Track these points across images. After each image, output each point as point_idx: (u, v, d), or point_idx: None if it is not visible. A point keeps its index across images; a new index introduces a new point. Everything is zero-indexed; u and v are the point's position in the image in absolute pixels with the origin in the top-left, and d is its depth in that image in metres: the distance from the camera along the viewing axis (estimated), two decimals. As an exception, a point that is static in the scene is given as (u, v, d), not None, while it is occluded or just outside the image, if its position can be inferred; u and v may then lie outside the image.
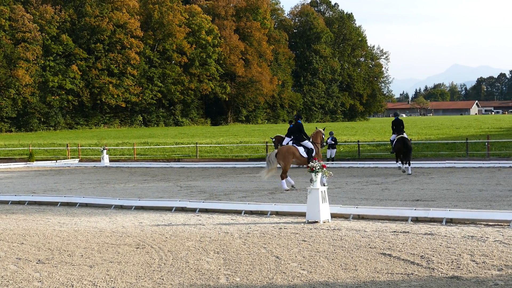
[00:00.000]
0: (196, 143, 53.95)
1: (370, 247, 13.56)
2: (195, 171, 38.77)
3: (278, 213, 18.73)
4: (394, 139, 32.43)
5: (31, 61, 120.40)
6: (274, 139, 41.39)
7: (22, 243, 15.26)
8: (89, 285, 11.04)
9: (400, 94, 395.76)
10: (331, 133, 41.75)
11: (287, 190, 25.19)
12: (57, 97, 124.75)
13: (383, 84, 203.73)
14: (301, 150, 26.68)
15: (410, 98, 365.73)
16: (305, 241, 14.46)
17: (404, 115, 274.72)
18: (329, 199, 17.51)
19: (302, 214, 17.71)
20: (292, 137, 35.79)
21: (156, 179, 32.94)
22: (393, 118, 33.69)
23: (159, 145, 60.48)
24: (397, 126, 32.81)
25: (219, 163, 43.86)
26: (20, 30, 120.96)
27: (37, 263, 12.97)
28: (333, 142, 41.13)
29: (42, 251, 14.21)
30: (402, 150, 31.63)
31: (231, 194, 24.22)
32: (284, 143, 36.71)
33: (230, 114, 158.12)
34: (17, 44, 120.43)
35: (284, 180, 25.63)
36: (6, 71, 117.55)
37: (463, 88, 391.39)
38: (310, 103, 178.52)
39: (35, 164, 48.83)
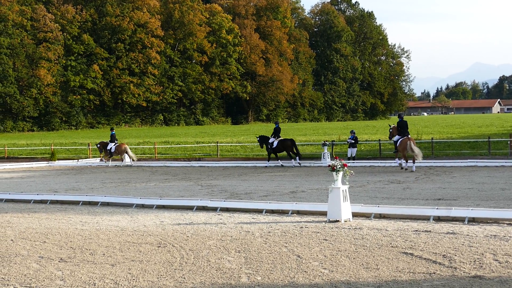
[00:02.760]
0: (217, 142, 53.97)
1: (392, 246, 13.52)
2: (216, 170, 38.79)
3: (299, 212, 18.70)
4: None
5: (53, 60, 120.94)
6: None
7: (45, 241, 15.32)
8: (111, 283, 11.07)
9: (422, 93, 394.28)
10: (352, 132, 41.62)
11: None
12: (79, 96, 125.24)
13: (404, 83, 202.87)
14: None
15: (431, 97, 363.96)
16: (326, 240, 14.43)
17: (425, 114, 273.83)
18: (350, 198, 17.45)
19: (323, 213, 17.67)
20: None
21: (177, 178, 32.98)
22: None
23: (180, 144, 60.54)
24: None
25: (240, 162, 43.85)
26: (41, 30, 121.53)
27: (59, 261, 13.02)
28: (354, 141, 40.98)
29: (64, 249, 14.27)
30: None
31: (252, 193, 24.20)
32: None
33: (250, 113, 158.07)
34: (39, 44, 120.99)
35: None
36: (28, 71, 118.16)
37: (485, 87, 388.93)
38: (331, 102, 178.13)
39: (57, 163, 49.07)
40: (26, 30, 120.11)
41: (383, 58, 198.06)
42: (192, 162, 45.53)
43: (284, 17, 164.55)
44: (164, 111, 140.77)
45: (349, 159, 39.63)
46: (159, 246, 14.27)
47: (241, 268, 11.93)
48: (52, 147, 57.54)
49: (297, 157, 40.00)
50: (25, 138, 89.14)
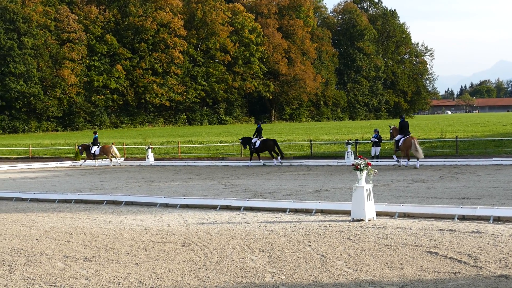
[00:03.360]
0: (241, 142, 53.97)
1: (416, 245, 13.46)
2: (240, 169, 38.81)
3: (323, 211, 18.66)
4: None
5: (76, 61, 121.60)
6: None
7: (69, 241, 15.39)
8: (136, 282, 11.10)
9: (445, 91, 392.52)
10: (375, 131, 41.46)
11: None
12: (102, 96, 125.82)
13: (427, 81, 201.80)
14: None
15: (455, 95, 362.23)
16: (350, 239, 14.40)
17: (449, 112, 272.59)
18: (374, 197, 17.40)
19: (347, 212, 17.63)
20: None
21: (200, 178, 33.03)
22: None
23: (203, 143, 60.62)
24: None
25: (263, 161, 43.83)
26: (65, 30, 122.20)
27: (84, 260, 13.08)
28: (377, 140, 40.83)
29: (89, 249, 14.33)
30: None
31: (275, 193, 24.18)
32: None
33: (273, 112, 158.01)
34: (62, 45, 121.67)
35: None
36: (52, 71, 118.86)
37: (509, 85, 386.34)
38: (354, 100, 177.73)
39: (81, 162, 49.28)
40: (50, 30, 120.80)
41: (406, 56, 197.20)
42: (215, 161, 45.58)
43: (306, 16, 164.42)
44: (187, 111, 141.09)
45: (372, 158, 39.50)
46: (183, 245, 14.29)
47: (265, 267, 11.93)
48: (76, 146, 57.80)
49: (279, 157, 41.27)
50: (49, 138, 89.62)
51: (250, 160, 42.67)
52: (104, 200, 23.02)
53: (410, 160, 35.83)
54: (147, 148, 48.34)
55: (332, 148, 51.71)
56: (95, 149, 47.32)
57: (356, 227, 15.95)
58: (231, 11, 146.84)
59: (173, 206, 21.24)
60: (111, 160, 47.65)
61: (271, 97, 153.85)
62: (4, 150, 65.62)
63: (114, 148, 47.88)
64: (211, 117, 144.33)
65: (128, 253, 13.64)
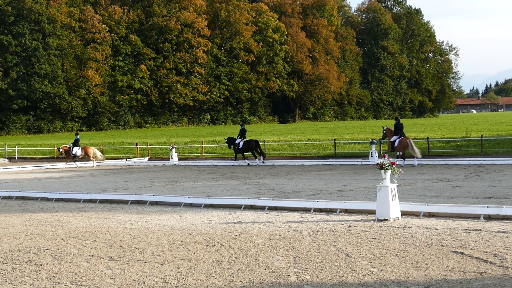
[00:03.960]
0: (264, 141, 53.99)
1: (442, 245, 13.39)
2: (263, 169, 38.82)
3: (347, 211, 18.61)
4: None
5: (101, 61, 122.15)
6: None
7: (94, 240, 15.46)
8: (160, 282, 11.13)
9: (470, 90, 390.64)
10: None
11: None
12: (126, 96, 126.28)
13: (452, 80, 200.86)
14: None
15: (480, 94, 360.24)
16: (375, 239, 14.36)
17: (474, 111, 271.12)
18: (399, 197, 17.32)
19: (372, 212, 17.58)
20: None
21: (224, 177, 33.06)
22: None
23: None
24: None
25: (287, 161, 43.86)
26: (89, 31, 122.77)
27: (109, 260, 13.14)
28: (402, 139, 40.65)
29: (114, 248, 14.38)
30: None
31: (299, 192, 24.16)
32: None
33: (297, 111, 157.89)
34: (87, 45, 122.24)
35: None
36: (77, 72, 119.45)
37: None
38: (378, 100, 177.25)
39: (106, 162, 49.50)
40: (75, 31, 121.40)
41: (431, 55, 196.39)
42: (239, 161, 45.61)
43: (330, 15, 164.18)
44: (211, 110, 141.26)
45: (397, 157, 39.37)
46: (207, 245, 14.31)
47: (289, 267, 11.92)
48: (101, 146, 58.07)
49: (262, 157, 43.18)
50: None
51: (235, 160, 44.52)
52: (129, 200, 23.10)
53: (406, 159, 37.38)
54: (171, 148, 48.47)
55: (356, 147, 51.59)
56: (76, 150, 47.42)
57: (381, 226, 15.91)
58: (255, 10, 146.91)
59: (198, 205, 21.27)
60: (92, 161, 47.61)
61: (294, 97, 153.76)
62: (30, 150, 66.02)
63: (96, 151, 48.15)
64: (234, 117, 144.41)
65: (153, 253, 13.68)
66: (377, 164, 17.07)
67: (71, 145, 48.20)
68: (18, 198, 26.04)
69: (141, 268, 12.27)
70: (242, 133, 44.26)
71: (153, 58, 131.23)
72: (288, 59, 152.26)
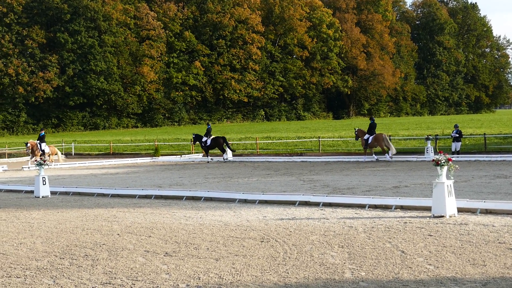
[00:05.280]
0: (319, 137, 53.90)
1: (499, 242, 13.20)
2: (318, 165, 38.72)
3: (402, 207, 18.45)
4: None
5: (156, 58, 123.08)
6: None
7: (150, 236, 15.56)
8: (215, 277, 11.15)
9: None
10: (456, 126, 40.97)
11: None
12: (181, 93, 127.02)
13: (510, 75, 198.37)
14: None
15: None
16: (431, 235, 14.21)
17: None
18: (455, 193, 17.12)
19: (428, 208, 17.40)
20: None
21: (279, 173, 33.05)
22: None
23: (281, 139, 60.69)
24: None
25: (341, 157, 43.71)
26: (144, 28, 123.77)
27: (164, 255, 13.20)
28: (458, 135, 40.31)
29: (169, 244, 14.45)
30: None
31: (354, 188, 24.04)
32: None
33: (352, 107, 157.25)
34: (142, 42, 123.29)
35: None
36: (132, 69, 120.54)
37: None
38: (434, 95, 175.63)
39: (161, 159, 49.85)
40: (130, 28, 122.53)
41: (487, 50, 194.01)
42: (293, 157, 45.56)
43: (385, 10, 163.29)
44: (265, 107, 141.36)
45: (453, 153, 39.01)
46: (262, 241, 14.31)
47: (344, 263, 11.86)
48: (156, 143, 58.53)
49: (230, 152, 47.25)
50: (129, 134, 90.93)
51: (207, 156, 47.70)
52: (184, 196, 23.20)
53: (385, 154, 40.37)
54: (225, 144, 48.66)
55: (412, 143, 51.21)
56: (44, 147, 46.89)
57: (436, 223, 15.74)
58: (309, 6, 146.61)
59: (252, 201, 21.27)
60: (51, 160, 47.26)
61: (349, 93, 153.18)
62: (86, 147, 66.83)
63: (57, 151, 48.35)
64: (289, 113, 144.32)
65: (208, 248, 13.72)
66: (433, 160, 16.89)
67: (38, 141, 47.25)
68: (74, 193, 26.35)
69: (196, 263, 12.31)
70: (208, 132, 47.53)
71: (208, 55, 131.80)
72: (343, 55, 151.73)
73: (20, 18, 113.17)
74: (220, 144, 46.44)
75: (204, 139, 47.10)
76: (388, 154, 39.97)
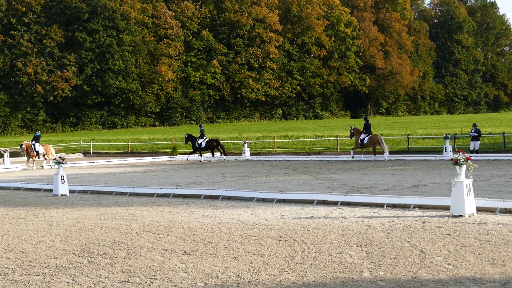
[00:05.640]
0: (337, 136, 53.83)
1: (519, 242, 13.15)
2: (336, 164, 38.70)
3: (421, 207, 18.40)
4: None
5: (173, 57, 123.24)
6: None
7: (168, 234, 15.59)
8: (233, 276, 11.16)
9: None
10: (474, 125, 40.80)
11: None
12: (199, 91, 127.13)
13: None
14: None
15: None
16: (449, 235, 14.16)
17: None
18: (474, 192, 17.05)
19: (446, 208, 17.34)
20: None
21: (296, 172, 33.04)
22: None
23: (299, 138, 60.63)
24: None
25: (359, 156, 43.63)
26: (162, 27, 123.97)
27: (182, 254, 13.22)
28: (476, 134, 40.14)
29: (187, 242, 14.47)
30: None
31: (372, 187, 23.99)
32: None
33: (370, 106, 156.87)
34: (159, 41, 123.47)
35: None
36: (150, 67, 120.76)
37: None
38: (452, 94, 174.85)
39: (179, 157, 49.97)
40: (148, 27, 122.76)
41: (506, 48, 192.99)
42: (311, 156, 45.55)
43: (403, 9, 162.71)
44: (283, 105, 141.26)
45: (471, 152, 38.87)
46: (280, 240, 14.30)
47: (363, 262, 11.83)
48: (174, 141, 58.64)
49: (223, 154, 47.91)
50: (147, 133, 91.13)
51: (200, 155, 48.64)
52: (202, 195, 23.23)
53: (376, 155, 41.56)
54: (243, 143, 48.72)
55: (430, 142, 51.05)
56: (38, 148, 46.10)
57: (455, 222, 15.68)
58: (327, 5, 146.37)
59: (270, 200, 21.28)
60: (45, 160, 47.14)
61: (367, 91, 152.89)
62: (104, 145, 67.06)
63: (53, 150, 48.07)
64: (306, 112, 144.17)
65: (226, 247, 13.73)
66: (452, 159, 16.82)
67: (33, 142, 46.32)
68: (93, 192, 26.45)
69: (214, 262, 12.32)
70: (202, 134, 48.33)
71: (225, 54, 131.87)
72: (360, 54, 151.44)
73: (39, 17, 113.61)
74: (213, 147, 47.50)
75: (200, 141, 47.82)
76: (384, 155, 41.05)
